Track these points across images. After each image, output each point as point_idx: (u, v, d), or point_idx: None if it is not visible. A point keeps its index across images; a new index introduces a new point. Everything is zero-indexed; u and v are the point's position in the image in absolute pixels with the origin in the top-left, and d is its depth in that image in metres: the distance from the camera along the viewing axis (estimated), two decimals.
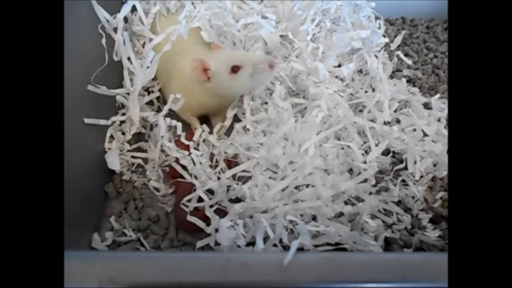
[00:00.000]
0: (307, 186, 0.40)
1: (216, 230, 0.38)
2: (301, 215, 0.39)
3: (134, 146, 0.49)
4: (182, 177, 0.43)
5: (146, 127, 0.50)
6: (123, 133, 0.49)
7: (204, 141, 0.47)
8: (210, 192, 0.42)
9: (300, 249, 0.34)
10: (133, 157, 0.48)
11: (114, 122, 0.48)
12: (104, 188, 0.46)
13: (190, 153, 0.44)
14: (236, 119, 0.50)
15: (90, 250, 0.40)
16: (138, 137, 0.50)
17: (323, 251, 0.36)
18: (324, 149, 0.42)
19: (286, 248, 0.36)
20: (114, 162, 0.45)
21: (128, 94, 0.48)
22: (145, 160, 0.48)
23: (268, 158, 0.42)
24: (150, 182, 0.46)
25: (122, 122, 0.49)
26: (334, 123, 0.44)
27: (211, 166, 0.43)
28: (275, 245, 0.36)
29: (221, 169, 0.44)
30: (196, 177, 0.42)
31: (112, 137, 0.48)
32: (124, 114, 0.49)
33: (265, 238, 0.36)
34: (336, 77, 0.51)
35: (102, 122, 0.46)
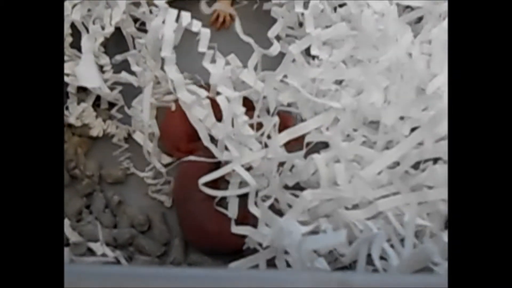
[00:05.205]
0: (435, 161, 0.22)
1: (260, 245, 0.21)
2: (428, 215, 0.21)
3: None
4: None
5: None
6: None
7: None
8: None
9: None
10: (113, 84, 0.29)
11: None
12: None
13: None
14: None
15: None
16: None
17: None
18: None
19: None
20: (87, 75, 0.26)
21: None
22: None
23: (358, 109, 0.22)
24: (135, 134, 0.28)
25: None
26: None
27: (251, 126, 0.23)
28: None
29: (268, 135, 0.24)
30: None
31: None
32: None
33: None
34: None
35: None
